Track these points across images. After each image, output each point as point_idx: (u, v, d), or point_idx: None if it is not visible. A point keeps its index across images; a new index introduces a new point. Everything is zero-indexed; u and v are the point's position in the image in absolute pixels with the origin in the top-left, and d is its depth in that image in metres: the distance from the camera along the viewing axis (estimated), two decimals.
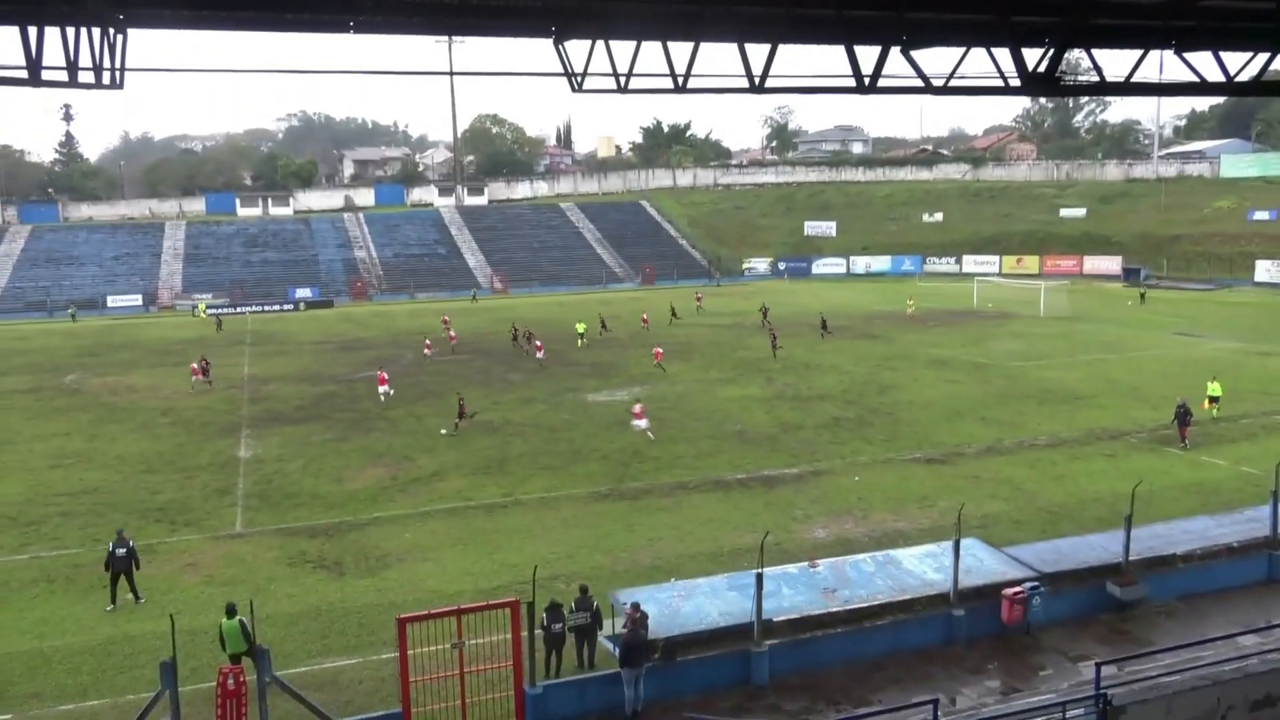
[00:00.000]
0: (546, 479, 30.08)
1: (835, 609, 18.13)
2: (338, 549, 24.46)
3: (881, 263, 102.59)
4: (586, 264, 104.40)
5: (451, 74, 24.27)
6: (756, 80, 15.71)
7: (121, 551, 21.12)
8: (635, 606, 16.56)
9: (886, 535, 24.38)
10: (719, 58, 16.68)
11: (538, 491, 28.80)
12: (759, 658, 17.16)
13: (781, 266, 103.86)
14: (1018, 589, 18.53)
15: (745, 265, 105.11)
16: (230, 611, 17.07)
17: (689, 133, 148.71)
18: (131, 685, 17.16)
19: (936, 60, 15.42)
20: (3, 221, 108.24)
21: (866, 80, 14.79)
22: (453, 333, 60.05)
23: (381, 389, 41.89)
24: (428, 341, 55.45)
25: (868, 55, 15.04)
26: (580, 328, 57.17)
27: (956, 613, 18.50)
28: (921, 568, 19.65)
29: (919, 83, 14.87)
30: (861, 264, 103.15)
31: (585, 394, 42.64)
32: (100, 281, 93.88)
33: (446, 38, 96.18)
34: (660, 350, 48.99)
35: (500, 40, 23.30)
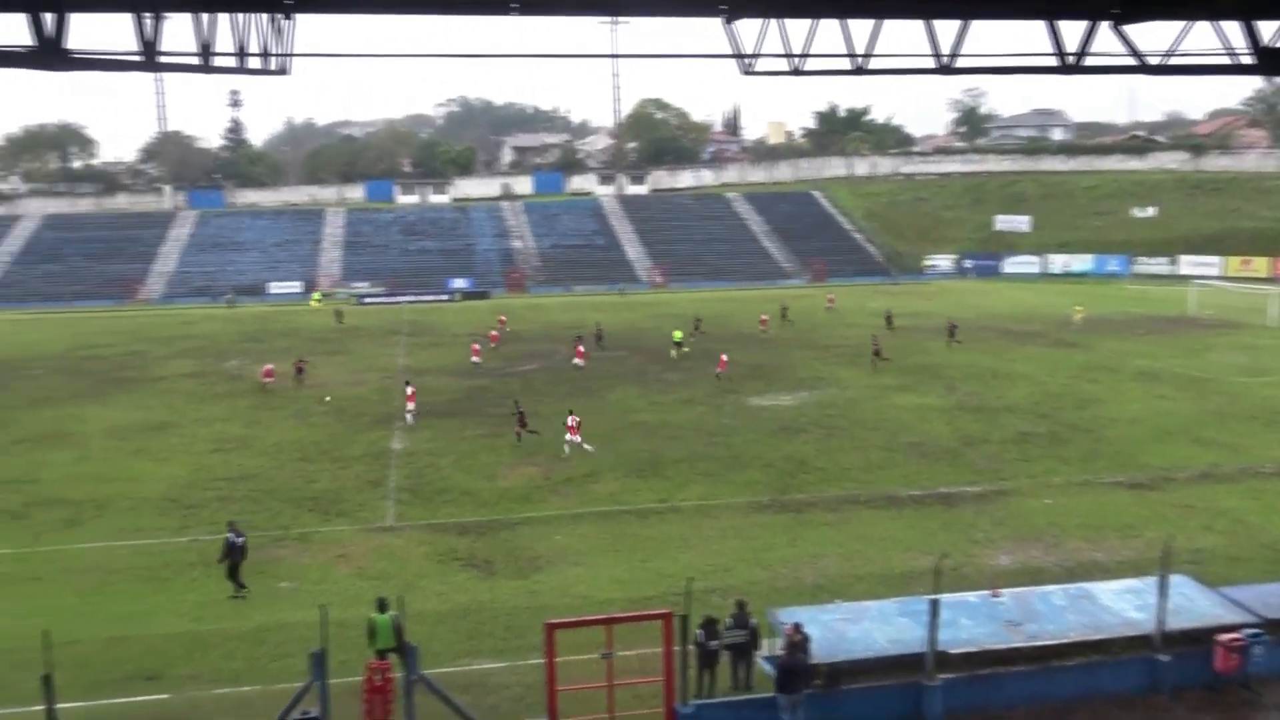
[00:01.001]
0: (704, 485, 30.21)
1: (1019, 644, 17.48)
2: (488, 548, 25.28)
3: (1082, 262, 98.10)
4: (752, 258, 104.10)
5: (615, 56, 24.71)
6: (945, 61, 15.35)
7: (240, 540, 22.48)
8: (796, 627, 16.43)
9: (1080, 566, 23.34)
10: (903, 36, 16.37)
11: (695, 498, 28.96)
12: (931, 692, 16.73)
13: (967, 264, 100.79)
14: (1234, 635, 17.39)
15: (926, 262, 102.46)
16: (382, 606, 17.90)
17: (867, 117, 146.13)
18: (283, 673, 18.22)
19: (1152, 35, 14.68)
20: (172, 207, 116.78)
21: (1070, 59, 14.24)
22: (495, 332, 60.00)
23: (409, 407, 38.88)
24: (475, 346, 53.31)
25: (1072, 31, 14.46)
26: (677, 336, 54.14)
27: (1161, 658, 17.53)
28: (1121, 605, 18.70)
29: (1131, 61, 14.21)
30: (1059, 263, 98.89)
31: (747, 397, 42.54)
32: (262, 268, 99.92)
33: (611, 18, 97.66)
34: (725, 358, 46.83)
35: (667, 21, 23.54)
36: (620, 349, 56.67)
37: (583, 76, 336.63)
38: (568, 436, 33.58)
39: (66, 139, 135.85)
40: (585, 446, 33.52)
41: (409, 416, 38.62)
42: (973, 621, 18.03)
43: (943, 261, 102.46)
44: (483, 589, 22.74)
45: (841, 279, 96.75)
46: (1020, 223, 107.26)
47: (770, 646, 17.47)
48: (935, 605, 16.63)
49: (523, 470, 32.17)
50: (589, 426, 37.43)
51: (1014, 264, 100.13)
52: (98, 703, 17.45)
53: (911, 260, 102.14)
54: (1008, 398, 41.62)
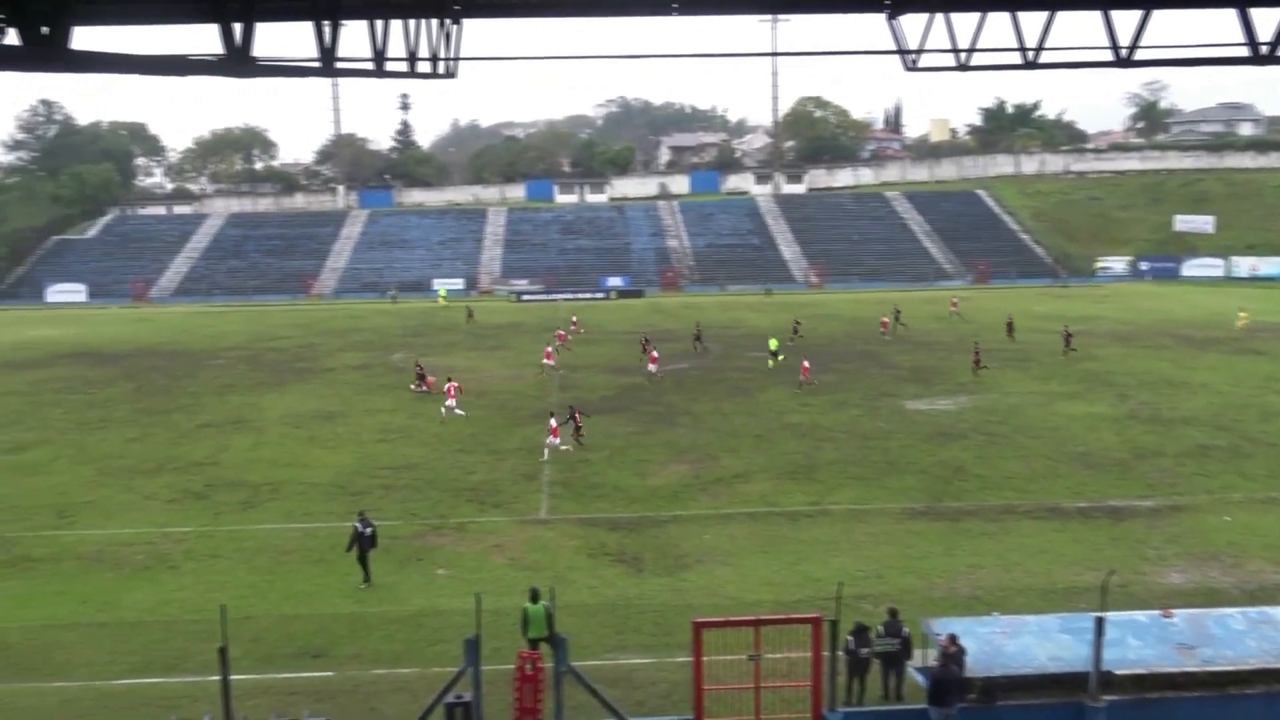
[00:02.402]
0: (857, 489, 29.71)
1: (1192, 668, 16.52)
2: (637, 544, 25.51)
3: (1272, 265, 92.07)
4: (912, 258, 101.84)
5: (774, 55, 24.45)
6: (1123, 53, 14.67)
7: (369, 531, 23.19)
8: (952, 639, 15.99)
9: (1263, 589, 21.89)
10: (1077, 27, 15.72)
11: (847, 502, 28.51)
12: (1095, 713, 15.98)
13: (1143, 266, 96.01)
14: None
15: (1098, 264, 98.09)
16: (534, 597, 18.31)
17: (1037, 113, 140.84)
18: (438, 657, 18.86)
19: None
20: (345, 206, 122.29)
21: (1264, 48, 13.39)
22: (561, 332, 59.40)
23: (448, 403, 39.47)
24: (549, 350, 52.47)
25: (1266, 19, 13.60)
26: (773, 345, 51.26)
27: None
28: None
29: None
30: (1245, 266, 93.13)
31: (903, 400, 41.63)
32: (427, 265, 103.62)
33: (771, 17, 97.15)
34: (808, 365, 45.15)
35: (828, 17, 23.25)
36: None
37: (741, 75, 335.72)
38: (549, 439, 33.51)
39: (250, 142, 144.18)
40: (563, 447, 33.66)
41: (458, 411, 39.16)
42: (1141, 642, 17.15)
43: (1116, 264, 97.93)
44: (631, 585, 22.96)
45: (1005, 281, 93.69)
46: (1203, 223, 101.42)
47: (923, 657, 17.06)
48: (1100, 623, 15.90)
49: (674, 468, 32.32)
50: (740, 427, 37.43)
51: (1195, 267, 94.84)
52: (268, 676, 18.45)
53: (1083, 262, 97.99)
54: (1185, 408, 39.40)
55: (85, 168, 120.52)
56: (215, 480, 31.98)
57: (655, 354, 49.17)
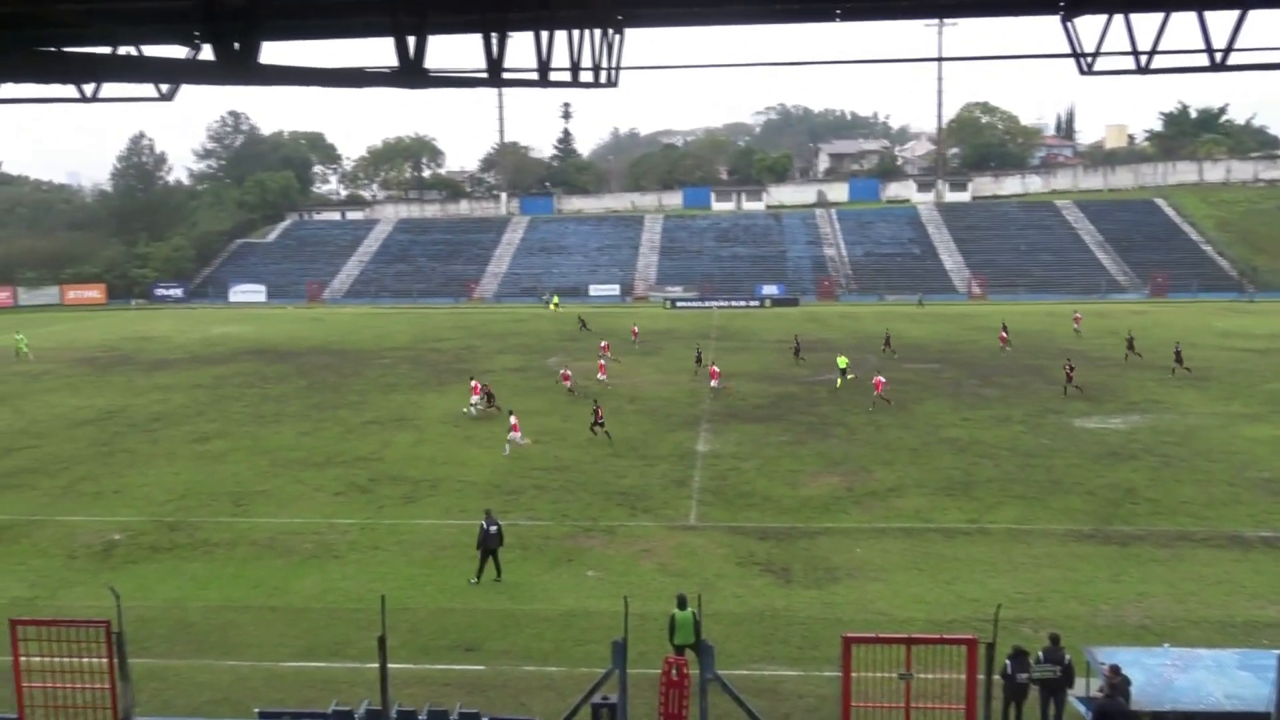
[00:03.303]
0: (1018, 509, 28.67)
1: None
2: (786, 555, 25.28)
3: None
4: (1083, 269, 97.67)
5: (940, 60, 23.80)
6: None
7: (494, 529, 23.56)
8: (1115, 669, 15.26)
9: None
10: (1271, 25, 14.79)
11: (1006, 522, 27.55)
12: None
13: None
14: None
15: None
16: (682, 603, 18.37)
17: (1223, 118, 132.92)
18: (585, 658, 19.14)
19: None
20: (506, 213, 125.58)
21: None
22: (606, 343, 57.73)
23: (473, 400, 42.88)
24: (601, 362, 51.64)
25: None
26: (842, 363, 48.73)
27: None
28: None
29: None
30: None
31: (1071, 418, 39.96)
32: (584, 271, 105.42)
33: (937, 20, 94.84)
34: (881, 380, 43.02)
35: (997, 20, 22.59)
36: (932, 361, 54.95)
37: (904, 81, 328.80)
38: (511, 434, 35.57)
39: (419, 150, 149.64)
40: (524, 441, 35.41)
41: (472, 410, 42.49)
42: None
43: None
44: (779, 595, 22.77)
45: (1185, 294, 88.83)
46: None
47: (1086, 686, 16.33)
48: None
49: (826, 480, 31.91)
50: (895, 439, 36.64)
51: None
52: (423, 666, 19.11)
53: (1272, 276, 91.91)
54: None
55: (267, 175, 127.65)
56: (379, 475, 33.31)
57: (715, 369, 48.08)
